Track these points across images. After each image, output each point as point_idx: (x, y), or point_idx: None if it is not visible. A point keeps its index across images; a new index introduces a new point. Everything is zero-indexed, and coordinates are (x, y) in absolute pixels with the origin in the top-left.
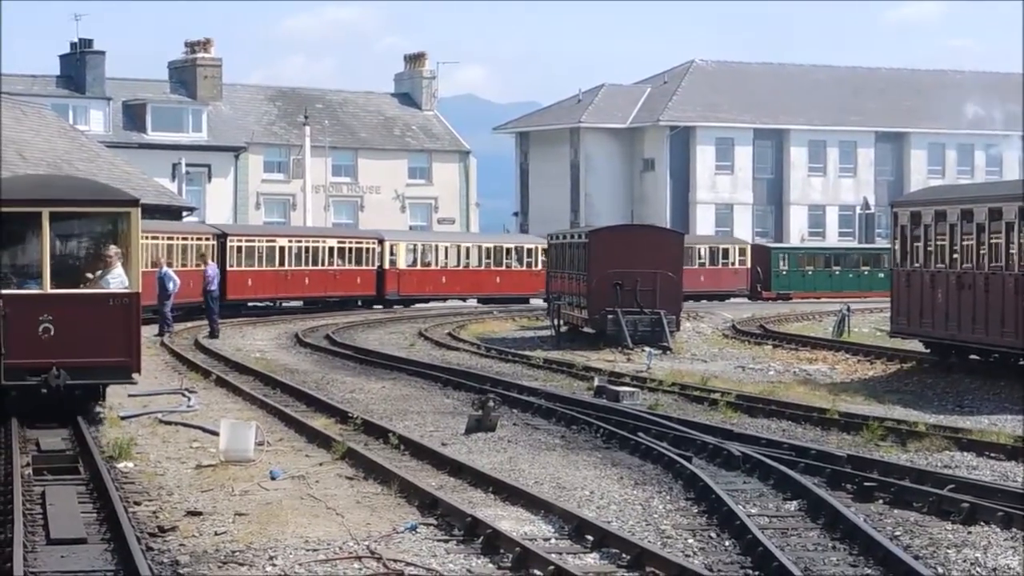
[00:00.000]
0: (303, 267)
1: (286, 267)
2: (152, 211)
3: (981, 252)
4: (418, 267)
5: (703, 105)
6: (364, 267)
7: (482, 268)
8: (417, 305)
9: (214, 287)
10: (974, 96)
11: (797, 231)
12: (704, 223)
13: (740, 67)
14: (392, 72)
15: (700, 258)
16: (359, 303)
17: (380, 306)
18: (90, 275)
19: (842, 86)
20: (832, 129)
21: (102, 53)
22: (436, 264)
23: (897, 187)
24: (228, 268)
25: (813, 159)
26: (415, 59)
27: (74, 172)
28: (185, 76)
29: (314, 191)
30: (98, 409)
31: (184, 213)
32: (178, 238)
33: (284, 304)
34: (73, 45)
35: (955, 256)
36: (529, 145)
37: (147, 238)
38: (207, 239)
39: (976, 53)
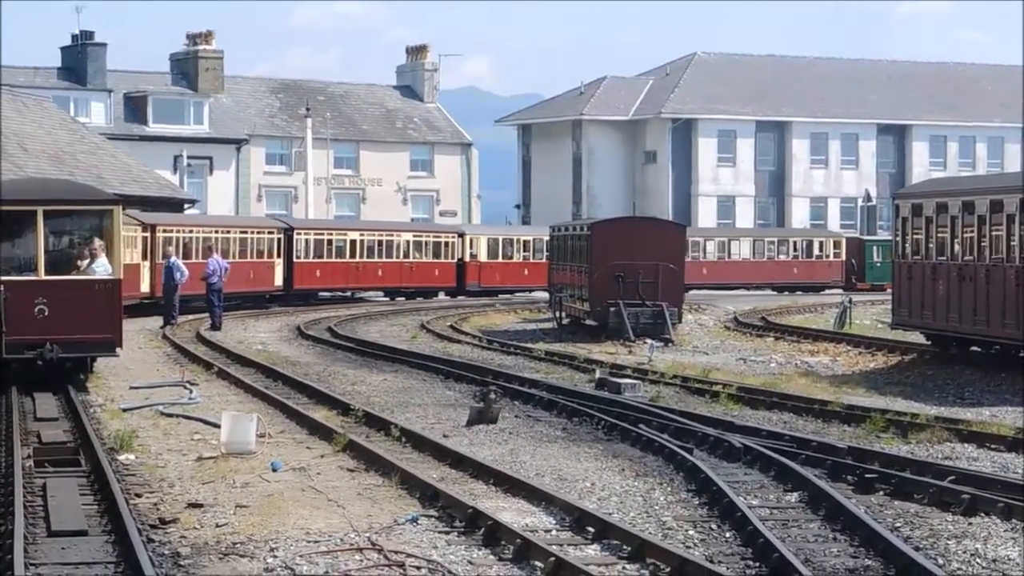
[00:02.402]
0: (376, 259)
1: (357, 259)
2: (154, 203)
3: (982, 244)
4: (499, 260)
5: (705, 97)
6: (443, 260)
7: None
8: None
9: (215, 280)
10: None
11: (799, 224)
12: (706, 215)
13: (742, 59)
14: (396, 64)
15: (795, 250)
16: (438, 294)
17: (462, 296)
18: (79, 263)
19: (844, 78)
20: (834, 121)
21: (103, 45)
22: (516, 257)
23: (899, 179)
24: (295, 260)
25: (815, 151)
26: (417, 51)
27: (75, 164)
28: (186, 68)
29: (316, 183)
30: (82, 376)
31: (185, 205)
32: (237, 231)
33: (359, 295)
34: (74, 37)
35: (956, 248)
36: (531, 137)
37: (214, 231)
38: (273, 232)
39: (985, 46)
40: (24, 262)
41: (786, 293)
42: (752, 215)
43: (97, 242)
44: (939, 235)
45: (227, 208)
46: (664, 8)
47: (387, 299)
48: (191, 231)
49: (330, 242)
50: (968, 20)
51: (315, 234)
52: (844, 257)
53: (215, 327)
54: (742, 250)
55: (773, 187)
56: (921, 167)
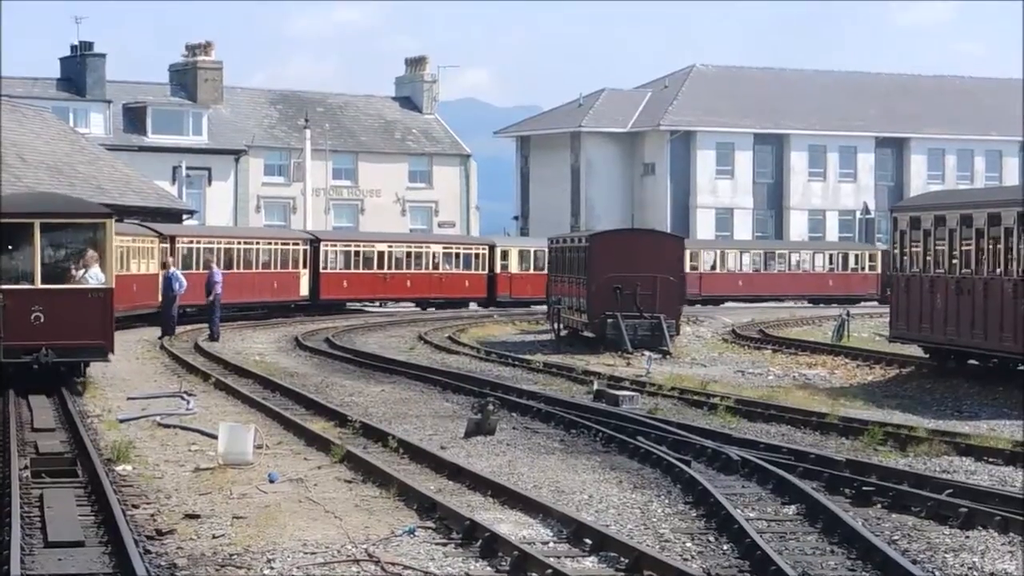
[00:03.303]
0: (405, 270)
1: (386, 270)
2: (152, 214)
3: (980, 257)
4: (531, 271)
5: (703, 109)
6: (473, 271)
7: None
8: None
9: (220, 291)
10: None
11: (797, 236)
12: (704, 227)
13: (740, 72)
14: (395, 74)
15: (830, 263)
16: (469, 305)
17: (493, 307)
18: (73, 273)
19: (842, 91)
20: (832, 134)
21: (103, 56)
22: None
23: (897, 192)
24: (321, 271)
25: (813, 164)
26: (416, 63)
27: (75, 175)
28: (185, 79)
29: (314, 194)
30: (77, 380)
31: (184, 216)
32: (261, 242)
33: (387, 305)
34: (73, 48)
35: (954, 261)
36: (530, 149)
37: (240, 243)
38: (299, 244)
39: (983, 59)
40: (21, 271)
41: (821, 305)
42: (750, 228)
43: (90, 253)
44: (937, 248)
45: (226, 219)
46: (663, 20)
47: (418, 309)
48: (212, 242)
49: (358, 253)
50: (966, 32)
51: (342, 245)
52: (880, 270)
53: (213, 337)
54: (777, 263)
55: (771, 199)
56: (919, 180)
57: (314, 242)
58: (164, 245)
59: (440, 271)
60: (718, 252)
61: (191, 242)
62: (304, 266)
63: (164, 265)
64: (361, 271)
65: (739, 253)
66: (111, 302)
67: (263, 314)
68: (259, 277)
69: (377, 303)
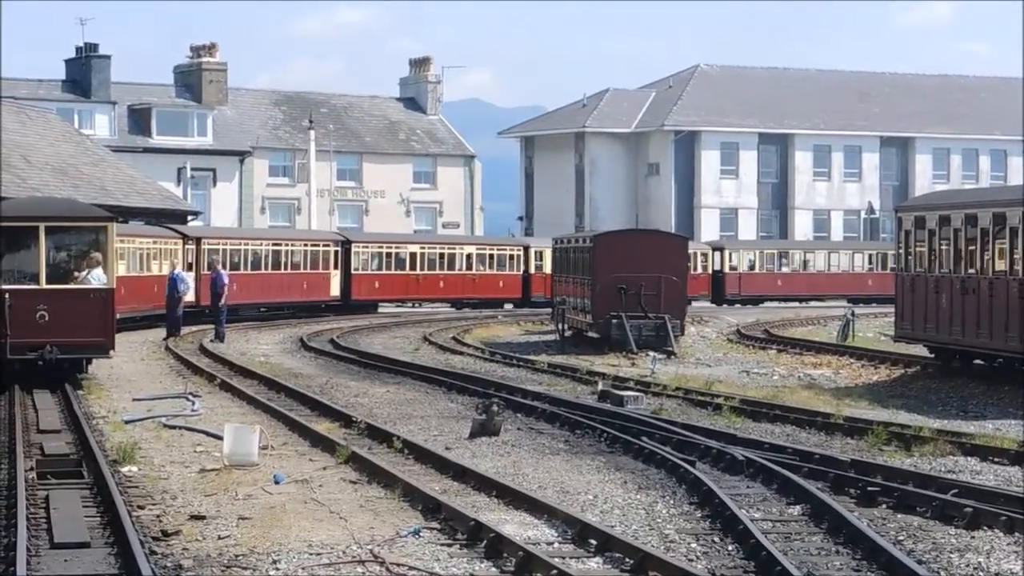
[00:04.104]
0: (438, 271)
1: (418, 271)
2: (156, 215)
3: (985, 257)
4: None
5: (708, 110)
6: (508, 272)
7: None
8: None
9: (227, 292)
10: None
11: (802, 236)
12: (709, 227)
13: (745, 72)
14: (399, 75)
15: (869, 263)
16: (504, 305)
17: (527, 308)
18: (76, 274)
19: (847, 91)
20: (837, 134)
21: (107, 57)
22: None
23: (902, 192)
24: (353, 272)
25: (818, 164)
26: (420, 63)
27: (79, 176)
28: (190, 80)
29: (319, 195)
30: (81, 376)
31: (189, 217)
32: (289, 244)
33: (420, 305)
34: (79, 49)
35: (959, 261)
36: (534, 149)
37: (268, 244)
38: (329, 245)
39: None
40: (27, 272)
41: (861, 305)
42: (755, 227)
43: (93, 255)
44: (942, 248)
45: (231, 220)
46: (667, 20)
47: (453, 309)
48: (240, 243)
49: (389, 255)
50: (970, 31)
51: (374, 247)
52: None
53: (219, 338)
54: (817, 262)
55: (776, 199)
56: (924, 180)
57: (345, 243)
58: (189, 246)
59: (474, 272)
60: (757, 252)
61: (217, 243)
62: (335, 267)
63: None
64: (393, 272)
65: (778, 253)
66: (112, 302)
67: (291, 314)
68: (288, 278)
69: (410, 303)
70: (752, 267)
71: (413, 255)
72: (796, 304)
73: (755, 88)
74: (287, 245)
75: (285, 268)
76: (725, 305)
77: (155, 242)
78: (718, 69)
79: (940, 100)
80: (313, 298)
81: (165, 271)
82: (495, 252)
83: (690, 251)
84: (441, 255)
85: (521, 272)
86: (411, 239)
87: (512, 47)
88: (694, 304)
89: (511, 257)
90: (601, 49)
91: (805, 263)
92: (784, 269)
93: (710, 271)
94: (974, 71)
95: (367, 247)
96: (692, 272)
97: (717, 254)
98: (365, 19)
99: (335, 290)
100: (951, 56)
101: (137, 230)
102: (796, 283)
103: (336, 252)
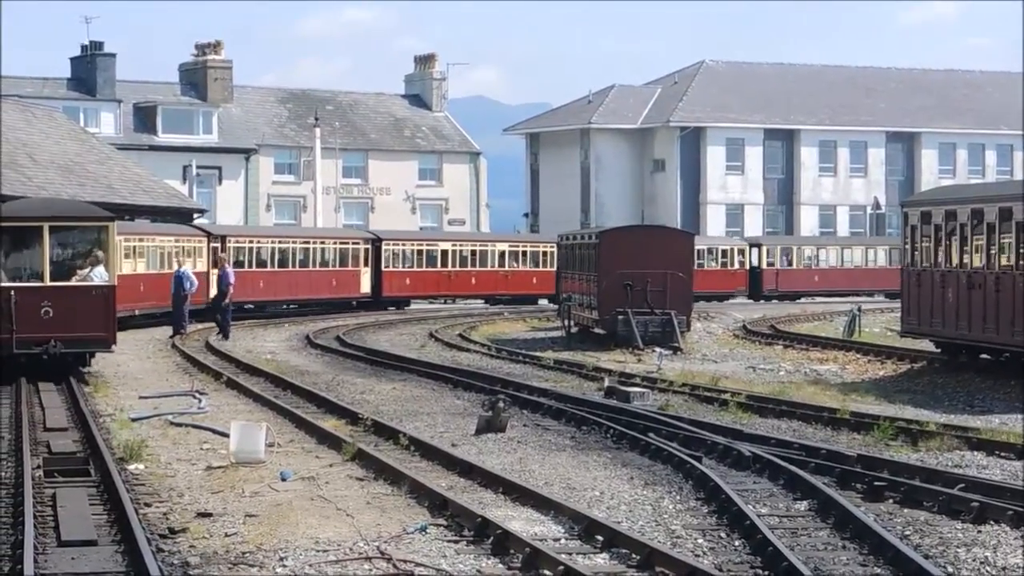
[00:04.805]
0: (470, 268)
1: (450, 268)
2: (162, 213)
3: (991, 252)
4: None
5: (713, 106)
6: (542, 268)
7: None
8: None
9: (232, 290)
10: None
11: (808, 231)
12: (715, 223)
13: (750, 67)
14: (404, 72)
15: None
16: (538, 301)
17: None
18: (79, 272)
19: (852, 86)
20: (843, 129)
21: (113, 55)
22: None
23: (907, 187)
24: (384, 269)
25: (824, 159)
26: (425, 60)
27: (85, 174)
28: (195, 78)
29: (324, 193)
30: (84, 369)
31: (195, 215)
32: (317, 242)
33: (453, 302)
34: (84, 47)
35: (965, 256)
36: (539, 146)
37: (295, 242)
38: (359, 243)
39: (992, 52)
40: (32, 270)
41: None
42: (761, 223)
43: (96, 253)
44: (948, 243)
45: (236, 218)
46: (672, 16)
47: (485, 305)
48: (266, 241)
49: (420, 252)
50: (975, 26)
51: (405, 245)
52: None
53: (224, 336)
54: (854, 257)
55: (782, 195)
56: (930, 175)
57: (375, 241)
58: (215, 244)
59: (507, 268)
60: (795, 248)
61: (243, 242)
62: (365, 264)
63: (216, 262)
64: (424, 269)
65: (816, 249)
66: (113, 298)
67: (320, 310)
68: (316, 275)
69: (442, 300)
70: (789, 263)
71: (445, 252)
72: (834, 299)
73: (761, 84)
74: (316, 243)
75: (314, 266)
76: (763, 301)
77: (177, 240)
78: (724, 65)
79: (946, 95)
80: (342, 295)
81: (195, 268)
82: (528, 249)
83: (728, 247)
84: (473, 252)
85: (555, 268)
86: (443, 236)
87: (517, 44)
88: (732, 300)
89: (544, 254)
90: (606, 46)
91: (843, 259)
92: (821, 265)
93: (747, 267)
94: (980, 66)
95: (398, 245)
96: (730, 268)
97: (755, 250)
98: (370, 18)
99: (365, 287)
100: (957, 51)
101: (159, 228)
102: (833, 278)
103: (366, 250)
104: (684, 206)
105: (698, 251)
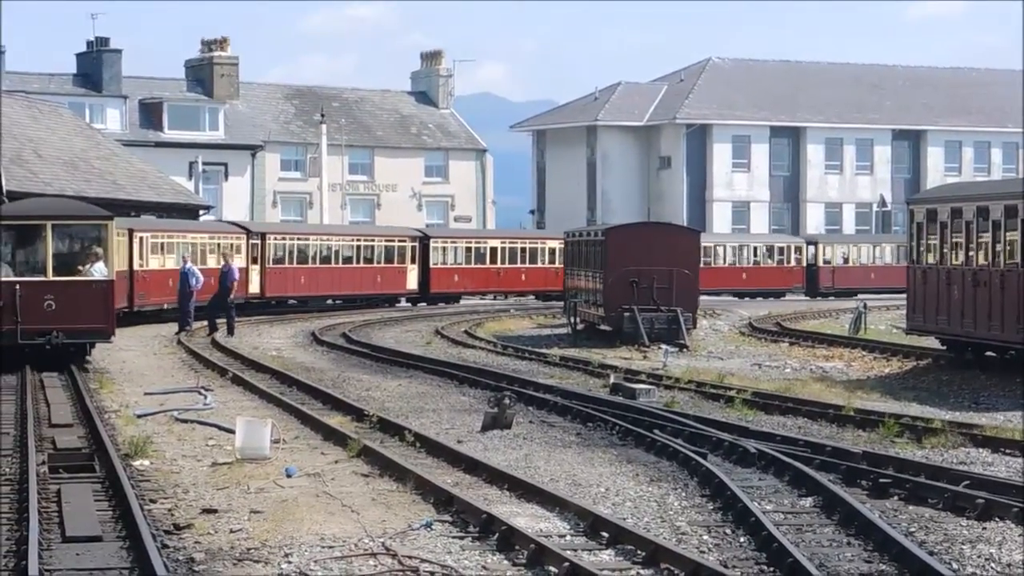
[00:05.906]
0: (520, 265)
1: (499, 265)
2: (168, 210)
3: (997, 249)
4: None
5: (720, 103)
6: None
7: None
8: None
9: (236, 286)
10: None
11: (814, 229)
12: (721, 221)
13: (757, 65)
14: (411, 69)
15: None
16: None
17: None
18: (80, 267)
19: (859, 84)
20: (849, 127)
21: (119, 51)
22: None
23: (914, 184)
24: (432, 266)
25: (830, 156)
26: (432, 57)
27: (90, 171)
28: (201, 74)
29: (331, 189)
30: (87, 359)
31: (201, 212)
32: (363, 239)
33: (505, 298)
34: (90, 43)
35: (971, 253)
36: (546, 143)
37: (338, 239)
38: (406, 241)
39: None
40: (36, 266)
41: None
42: (767, 221)
43: (96, 250)
44: (954, 240)
45: (242, 214)
46: (679, 13)
47: (537, 301)
48: (308, 239)
49: (468, 249)
50: (982, 24)
51: (452, 242)
52: None
53: (230, 332)
54: (885, 255)
55: (788, 192)
56: (936, 172)
57: (423, 239)
58: (254, 241)
59: (557, 265)
60: (851, 246)
61: (283, 239)
62: (412, 262)
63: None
64: (473, 266)
65: (872, 247)
66: (112, 292)
67: (362, 305)
68: (360, 272)
69: (491, 295)
70: (846, 260)
71: (493, 249)
72: (890, 295)
73: (767, 81)
74: (359, 241)
75: (357, 263)
76: (819, 298)
77: (212, 236)
78: (730, 62)
79: (952, 93)
80: (388, 291)
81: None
82: None
83: (784, 244)
84: (523, 249)
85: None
86: (491, 234)
87: (524, 41)
88: (788, 296)
89: None
90: (612, 43)
91: (899, 257)
92: (877, 262)
93: (804, 264)
94: (986, 64)
95: (446, 242)
96: (786, 265)
97: (811, 247)
98: (376, 14)
99: (412, 283)
100: (963, 49)
101: (192, 225)
102: (889, 276)
103: (414, 247)
104: (690, 203)
105: (754, 248)
